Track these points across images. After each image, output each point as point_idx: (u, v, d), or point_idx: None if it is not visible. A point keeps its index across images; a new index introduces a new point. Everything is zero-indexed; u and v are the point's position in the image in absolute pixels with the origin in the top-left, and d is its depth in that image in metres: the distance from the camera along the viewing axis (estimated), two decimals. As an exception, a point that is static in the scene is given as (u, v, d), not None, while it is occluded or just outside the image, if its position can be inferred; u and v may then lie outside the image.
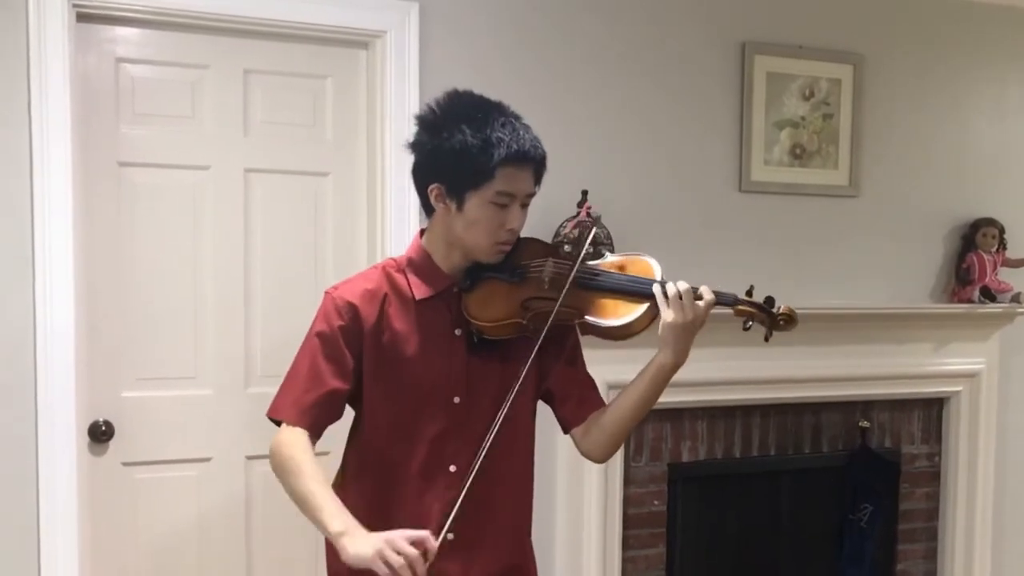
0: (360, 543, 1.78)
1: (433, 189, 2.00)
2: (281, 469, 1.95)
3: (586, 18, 3.48)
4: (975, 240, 3.98)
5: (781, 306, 2.02)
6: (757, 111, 3.72)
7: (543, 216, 3.18)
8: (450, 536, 2.00)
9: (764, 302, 2.01)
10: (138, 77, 3.07)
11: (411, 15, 3.22)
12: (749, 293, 2.02)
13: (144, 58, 3.08)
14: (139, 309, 3.09)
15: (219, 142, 3.16)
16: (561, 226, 3.30)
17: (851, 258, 3.91)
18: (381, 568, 1.74)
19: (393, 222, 3.17)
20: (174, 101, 3.11)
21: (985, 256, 3.95)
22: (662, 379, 2.00)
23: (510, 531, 2.09)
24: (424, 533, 1.81)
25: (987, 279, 3.93)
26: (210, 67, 3.14)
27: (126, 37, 3.05)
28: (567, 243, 3.24)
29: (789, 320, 2.01)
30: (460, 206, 1.97)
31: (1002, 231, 3.99)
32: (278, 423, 2.03)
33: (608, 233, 3.33)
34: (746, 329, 2.03)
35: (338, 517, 1.84)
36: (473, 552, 2.03)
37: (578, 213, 3.33)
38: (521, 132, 1.97)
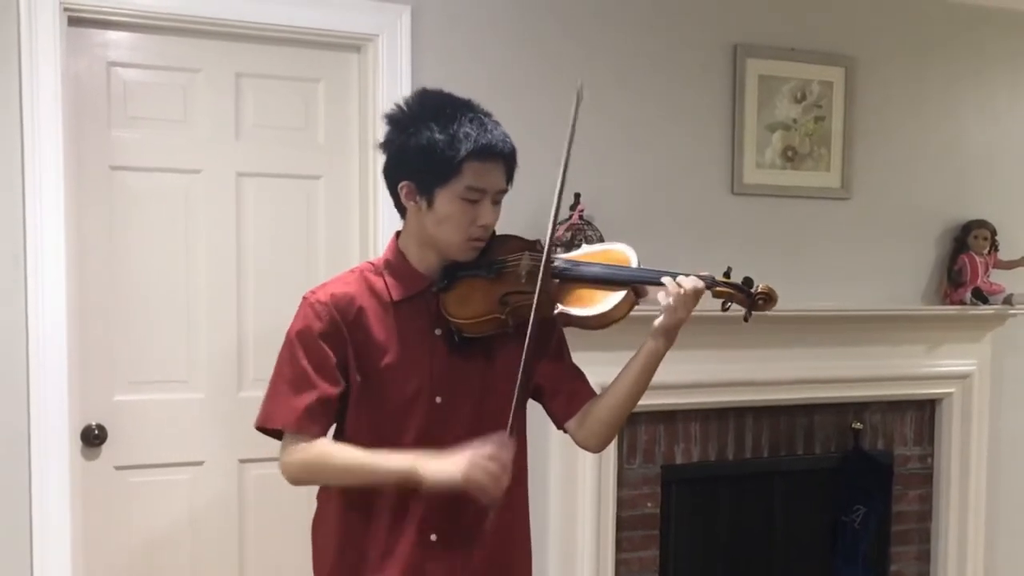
0: (443, 469, 1.88)
1: (403, 187, 2.00)
2: (315, 469, 2.00)
3: (578, 21, 3.49)
4: (967, 242, 3.99)
5: (759, 285, 2.02)
6: (749, 114, 3.73)
7: (535, 219, 3.17)
8: (433, 537, 2.02)
9: (742, 282, 2.01)
10: (130, 81, 3.07)
11: (403, 19, 3.22)
12: (727, 275, 2.02)
13: (136, 62, 3.08)
14: (131, 313, 3.09)
15: (211, 146, 3.16)
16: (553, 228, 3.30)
17: (843, 260, 3.91)
18: (474, 490, 1.87)
19: (385, 225, 3.16)
20: (166, 105, 3.11)
21: (977, 258, 3.96)
22: (655, 364, 2.01)
23: (497, 530, 2.08)
24: (498, 442, 1.89)
25: (979, 281, 3.94)
26: (202, 71, 3.14)
27: (118, 41, 3.05)
28: (559, 245, 3.25)
29: (768, 299, 2.01)
30: (430, 203, 1.97)
31: (994, 233, 4.00)
32: (272, 432, 2.02)
33: (600, 235, 3.34)
34: (724, 310, 2.02)
35: (401, 458, 1.92)
36: (458, 552, 2.03)
37: (571, 216, 3.34)
38: (489, 127, 1.97)
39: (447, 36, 3.30)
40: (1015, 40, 4.18)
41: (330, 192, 3.30)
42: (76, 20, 2.93)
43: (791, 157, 3.82)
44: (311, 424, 1.97)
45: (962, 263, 3.97)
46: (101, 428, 3.06)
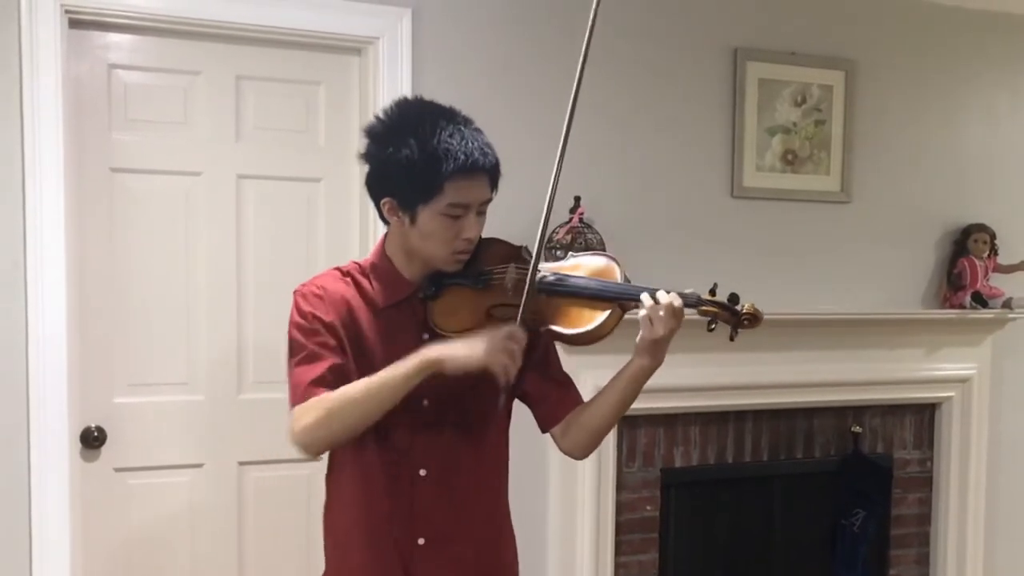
0: (462, 351, 1.84)
1: (385, 203, 1.98)
2: (326, 418, 1.87)
3: (579, 24, 3.46)
4: (967, 246, 3.99)
5: (745, 304, 1.98)
6: (749, 117, 3.73)
7: (535, 223, 3.19)
8: (421, 540, 2.01)
9: (728, 300, 1.97)
10: (130, 83, 3.08)
11: (403, 22, 3.22)
12: (712, 292, 1.98)
13: (136, 64, 3.08)
14: (131, 315, 3.09)
15: (211, 148, 3.16)
16: (554, 232, 3.31)
17: (843, 264, 3.91)
18: (495, 367, 1.83)
19: (385, 228, 3.16)
20: (166, 107, 3.11)
21: (977, 262, 3.96)
22: (641, 381, 1.99)
23: (482, 533, 2.07)
24: (511, 327, 1.87)
25: (979, 285, 3.94)
26: (202, 73, 3.14)
27: (118, 43, 3.05)
28: (559, 248, 3.25)
29: (753, 319, 1.98)
30: (413, 220, 1.94)
31: (993, 237, 4.00)
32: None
33: (600, 239, 3.34)
34: (710, 330, 1.99)
35: (411, 358, 1.86)
36: (444, 556, 2.02)
37: (570, 219, 3.34)
38: (470, 141, 1.92)
39: (447, 39, 3.30)
40: (1015, 44, 4.18)
41: (330, 195, 3.30)
42: (77, 22, 2.94)
43: (791, 161, 3.82)
44: (317, 390, 1.90)
45: (962, 267, 3.97)
46: (100, 430, 3.06)
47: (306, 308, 1.97)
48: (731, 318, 1.97)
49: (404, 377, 1.86)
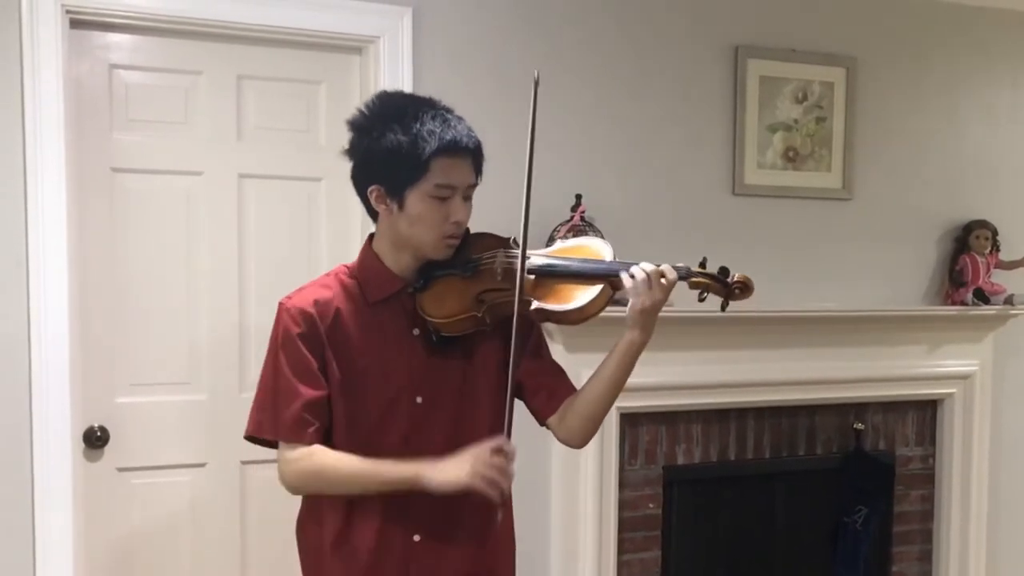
0: (448, 471, 1.88)
1: (372, 191, 1.99)
2: (315, 478, 1.99)
3: (578, 23, 3.49)
4: (968, 242, 3.99)
5: (736, 275, 2.01)
6: (750, 114, 3.73)
7: (537, 220, 3.18)
8: (416, 538, 2.02)
9: (719, 272, 2.01)
10: (131, 83, 3.08)
11: (404, 21, 3.22)
12: (703, 265, 2.02)
13: (137, 64, 3.08)
14: (133, 314, 3.10)
15: (212, 147, 3.16)
16: (555, 230, 3.30)
17: (844, 261, 3.91)
18: (481, 486, 1.85)
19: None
20: (167, 107, 3.12)
21: (978, 258, 3.96)
22: (632, 357, 2.00)
23: (478, 531, 2.07)
24: (499, 439, 1.89)
25: (980, 281, 3.94)
26: (203, 73, 3.15)
27: (119, 43, 3.05)
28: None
29: (744, 289, 2.01)
30: (401, 205, 1.96)
31: (995, 233, 4.00)
32: (264, 442, 2.03)
33: (602, 236, 3.33)
34: (701, 300, 2.03)
35: (405, 465, 1.91)
36: (440, 553, 2.03)
37: (572, 217, 3.34)
38: (452, 123, 1.96)
39: (448, 38, 3.30)
40: (1016, 40, 4.18)
41: (331, 194, 3.30)
42: (77, 22, 2.94)
43: (792, 158, 3.82)
44: (301, 432, 1.97)
45: (963, 263, 3.97)
46: (103, 430, 3.06)
47: (290, 325, 1.99)
48: (721, 289, 2.01)
49: (391, 481, 1.93)
